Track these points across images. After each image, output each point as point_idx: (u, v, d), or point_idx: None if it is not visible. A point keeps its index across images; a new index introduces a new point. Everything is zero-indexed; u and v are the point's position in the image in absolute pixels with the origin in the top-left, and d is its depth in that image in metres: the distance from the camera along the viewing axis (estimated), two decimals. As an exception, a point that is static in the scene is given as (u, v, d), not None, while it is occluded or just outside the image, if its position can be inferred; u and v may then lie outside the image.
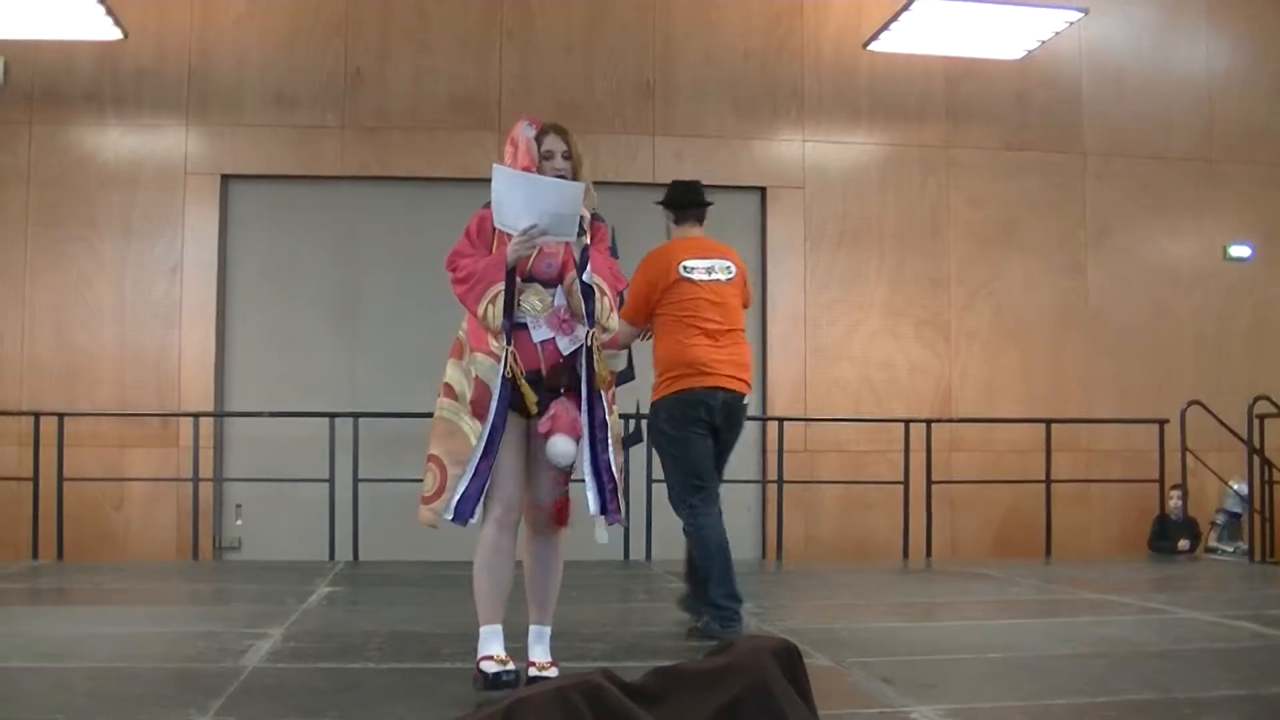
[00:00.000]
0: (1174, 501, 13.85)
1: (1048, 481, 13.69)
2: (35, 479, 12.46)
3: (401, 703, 5.40)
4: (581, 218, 5.76)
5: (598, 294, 5.67)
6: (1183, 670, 6.22)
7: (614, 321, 5.78)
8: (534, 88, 14.03)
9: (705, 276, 7.73)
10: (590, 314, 5.67)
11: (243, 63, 13.71)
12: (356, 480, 12.41)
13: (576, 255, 5.75)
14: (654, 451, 12.36)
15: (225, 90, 13.69)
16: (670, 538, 12.69)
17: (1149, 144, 14.98)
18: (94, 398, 13.23)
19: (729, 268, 7.85)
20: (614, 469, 5.70)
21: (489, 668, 5.57)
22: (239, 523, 13.63)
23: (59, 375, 13.27)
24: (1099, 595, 9.62)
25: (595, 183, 12.44)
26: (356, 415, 12.50)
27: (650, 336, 7.93)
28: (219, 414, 13.45)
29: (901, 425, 13.50)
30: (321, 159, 13.75)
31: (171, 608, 7.90)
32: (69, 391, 13.18)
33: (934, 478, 13.46)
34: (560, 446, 5.58)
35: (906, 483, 13.41)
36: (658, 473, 12.43)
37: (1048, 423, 13.74)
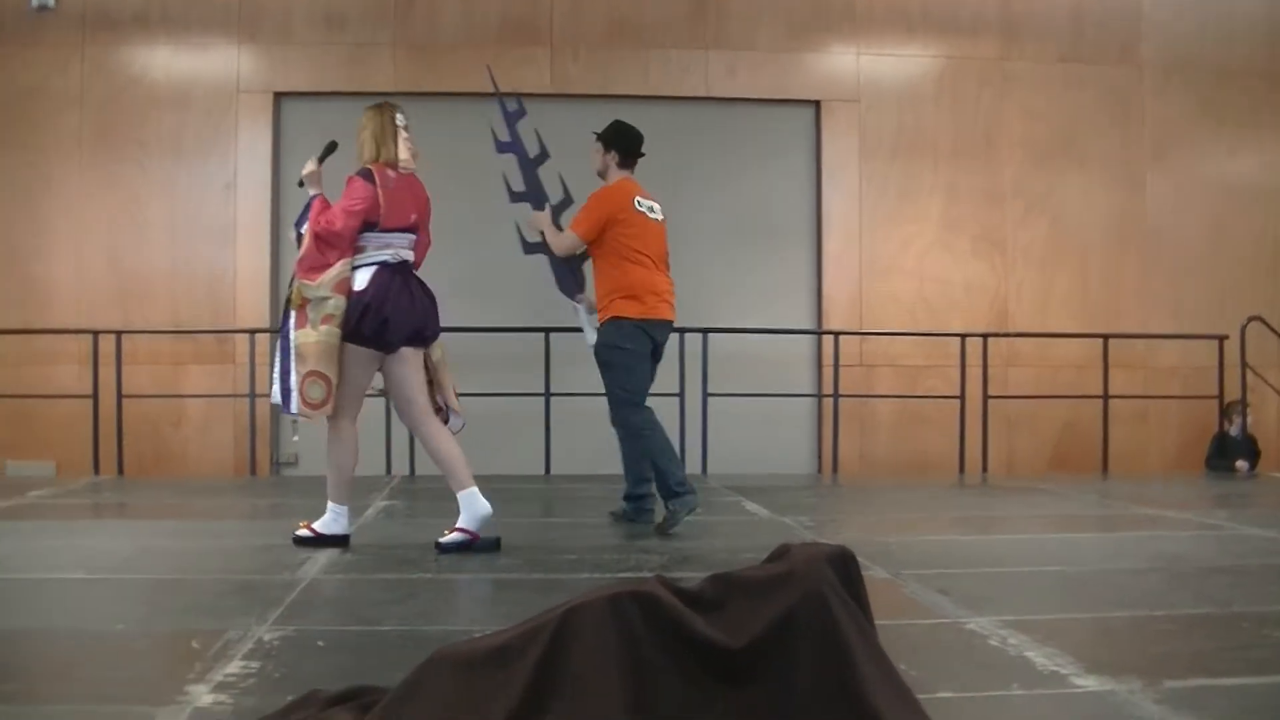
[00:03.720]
0: (1234, 419, 13.73)
1: (1105, 398, 13.62)
2: (95, 397, 12.57)
3: (459, 611, 5.44)
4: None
5: (297, 239, 7.30)
6: (1242, 585, 6.18)
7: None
8: (585, 4, 13.95)
9: (650, 215, 8.73)
10: None
11: (292, -20, 13.71)
12: (413, 398, 12.45)
13: None
14: (685, 366, 12.39)
15: (275, 8, 13.67)
16: (726, 452, 12.77)
17: (1209, 58, 14.75)
18: (149, 317, 13.31)
19: (660, 209, 8.87)
20: (291, 375, 7.01)
21: None
22: (296, 439, 13.67)
23: (114, 295, 13.34)
24: (1157, 511, 9.58)
25: (650, 97, 12.60)
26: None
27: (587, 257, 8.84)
28: (275, 330, 13.48)
29: (957, 340, 13.45)
30: (373, 77, 13.72)
31: (230, 522, 7.96)
32: (124, 311, 13.25)
33: (990, 393, 13.42)
34: None
35: (963, 398, 13.37)
36: (713, 386, 12.50)
37: (1105, 338, 13.65)
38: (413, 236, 7.35)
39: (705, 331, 12.75)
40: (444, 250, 13.35)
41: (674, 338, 12.46)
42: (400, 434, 12.37)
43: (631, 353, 8.60)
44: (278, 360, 7.11)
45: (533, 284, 12.62)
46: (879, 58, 14.29)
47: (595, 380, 11.59)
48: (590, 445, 11.48)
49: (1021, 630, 4.91)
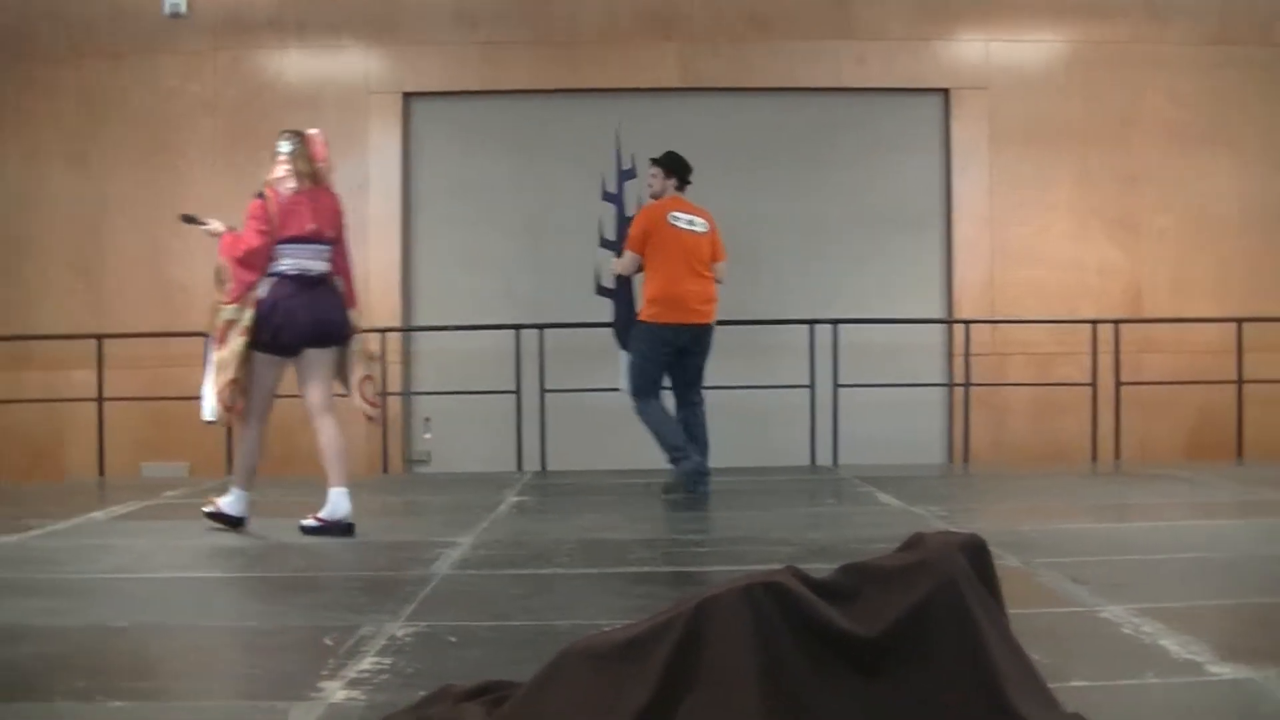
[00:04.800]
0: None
1: (1240, 383, 13.40)
2: (228, 398, 12.74)
3: (591, 605, 5.46)
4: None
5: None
6: (1385, 570, 6.10)
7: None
8: (717, -4, 13.94)
9: (686, 227, 9.95)
10: None
11: (421, -20, 13.82)
12: (544, 391, 12.52)
13: None
14: (815, 357, 12.38)
15: (406, 7, 13.78)
16: (856, 443, 12.72)
17: (1358, 34, 14.46)
18: (284, 317, 13.43)
19: (704, 224, 10.08)
20: (209, 385, 7.91)
21: None
22: (428, 436, 13.82)
23: (250, 296, 13.49)
24: (1295, 496, 9.45)
25: (781, 89, 12.88)
26: (542, 326, 12.56)
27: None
28: (407, 329, 13.61)
29: (1089, 326, 13.31)
30: (505, 74, 13.79)
31: (362, 520, 8.03)
32: (260, 312, 13.39)
33: (1123, 379, 13.26)
34: None
35: (1095, 385, 13.23)
36: (844, 377, 12.48)
37: (1240, 322, 13.43)
38: (321, 247, 7.98)
39: (835, 322, 12.71)
40: (578, 243, 13.48)
41: (802, 329, 12.51)
42: (531, 430, 12.48)
43: (643, 352, 10.00)
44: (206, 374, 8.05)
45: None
46: (1009, 44, 14.15)
47: (722, 374, 11.70)
48: (717, 439, 11.45)
49: (1156, 618, 4.86)
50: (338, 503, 7.87)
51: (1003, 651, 3.27)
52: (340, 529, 7.77)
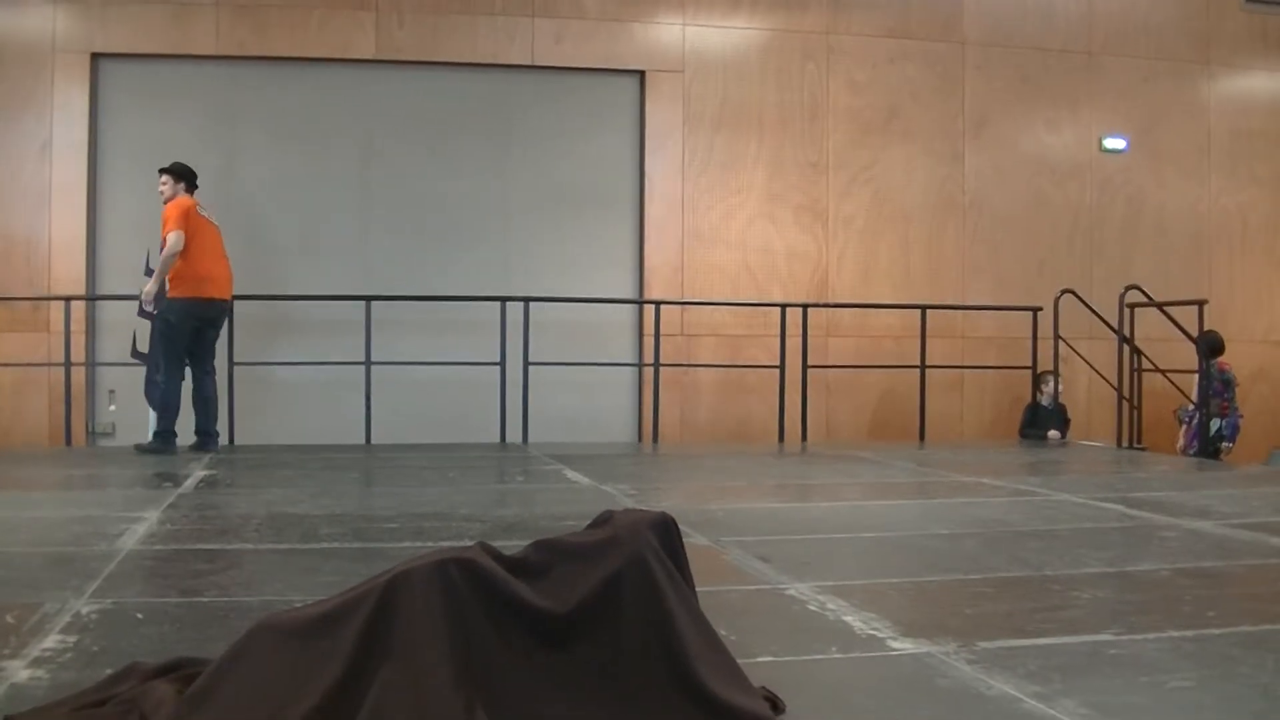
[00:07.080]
0: (1046, 388, 14.06)
1: (922, 367, 13.82)
2: (-99, 364, 12.27)
3: (281, 581, 5.38)
4: None
5: None
6: (1053, 548, 6.32)
7: None
8: (412, -34, 13.84)
9: (208, 216, 11.44)
10: None
11: (111, -62, 13.41)
12: (231, 364, 12.30)
13: None
14: (506, 335, 12.41)
15: (94, -34, 13.40)
16: (548, 420, 12.78)
17: (1029, 34, 15.06)
18: (-39, 281, 12.99)
19: (210, 213, 11.54)
20: None
21: None
22: (112, 408, 13.47)
23: (-76, 258, 13.02)
24: (972, 478, 9.75)
25: (475, 65, 12.83)
26: (231, 299, 12.34)
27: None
28: (91, 297, 13.23)
29: (778, 310, 13.56)
30: (196, 39, 13.47)
31: (45, 494, 7.82)
32: (-65, 275, 12.95)
33: (810, 362, 13.55)
34: None
35: (782, 367, 13.48)
36: (535, 355, 12.51)
37: (923, 308, 13.85)
38: None
39: (527, 300, 12.73)
40: (268, 212, 13.27)
41: (494, 306, 12.52)
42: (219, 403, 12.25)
43: (174, 325, 11.20)
44: None
45: (357, 247, 12.53)
46: (705, 29, 14.35)
47: (413, 350, 11.68)
48: (411, 414, 11.42)
49: (840, 595, 4.98)
50: None
51: (691, 627, 3.32)
52: None
